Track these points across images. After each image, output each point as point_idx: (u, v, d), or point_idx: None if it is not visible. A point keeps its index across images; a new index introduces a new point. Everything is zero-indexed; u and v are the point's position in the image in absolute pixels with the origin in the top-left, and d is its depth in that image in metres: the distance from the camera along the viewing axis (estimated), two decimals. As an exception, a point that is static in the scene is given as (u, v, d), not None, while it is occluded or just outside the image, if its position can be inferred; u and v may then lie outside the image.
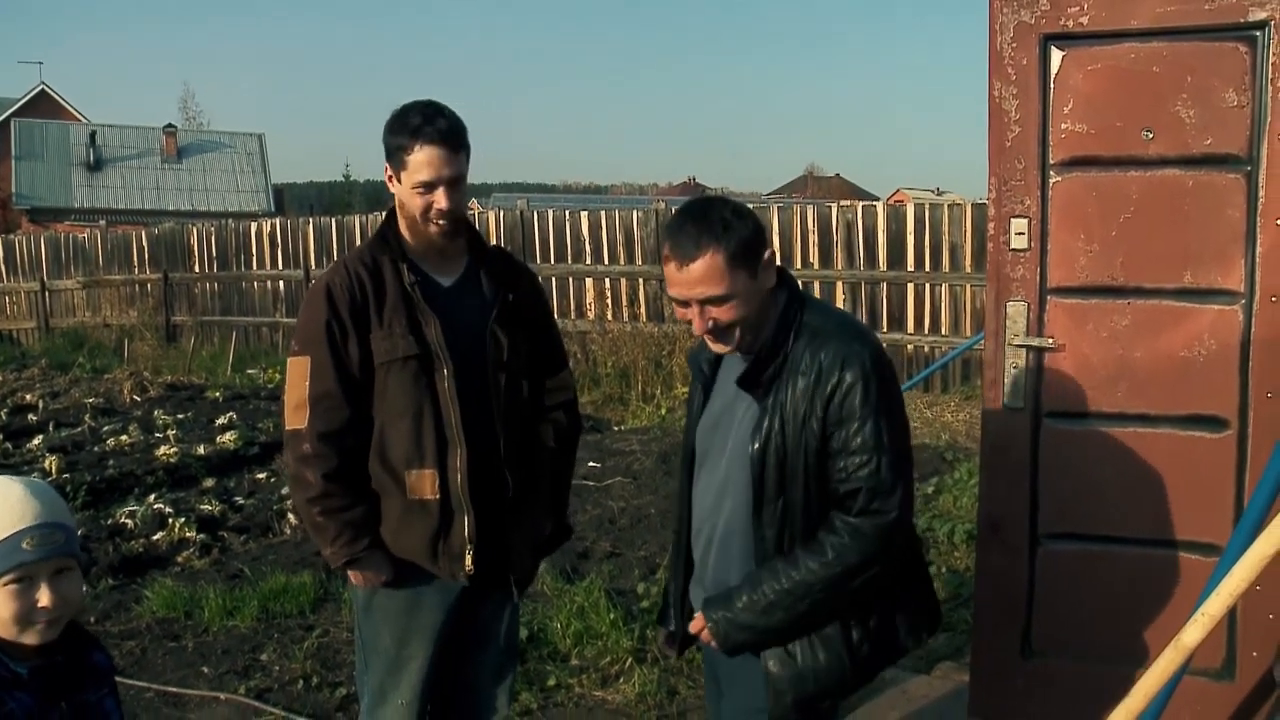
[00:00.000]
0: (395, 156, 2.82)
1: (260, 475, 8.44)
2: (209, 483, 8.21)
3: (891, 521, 2.35)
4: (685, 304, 2.39)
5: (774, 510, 2.40)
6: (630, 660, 4.70)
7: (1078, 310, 3.33)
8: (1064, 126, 3.28)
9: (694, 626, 2.55)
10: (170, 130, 42.05)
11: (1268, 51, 3.04)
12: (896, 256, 11.82)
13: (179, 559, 6.45)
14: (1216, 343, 3.18)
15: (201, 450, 8.90)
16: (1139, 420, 3.29)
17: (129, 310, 17.56)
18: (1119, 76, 3.21)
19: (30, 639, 1.93)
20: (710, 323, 2.38)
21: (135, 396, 11.76)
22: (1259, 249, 3.10)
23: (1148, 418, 3.28)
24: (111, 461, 8.64)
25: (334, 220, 16.34)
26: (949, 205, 12.07)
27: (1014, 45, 3.30)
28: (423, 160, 2.77)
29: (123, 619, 5.53)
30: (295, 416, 2.84)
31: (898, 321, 11.85)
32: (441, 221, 2.83)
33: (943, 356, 11.04)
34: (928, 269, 11.65)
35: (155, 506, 7.22)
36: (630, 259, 13.35)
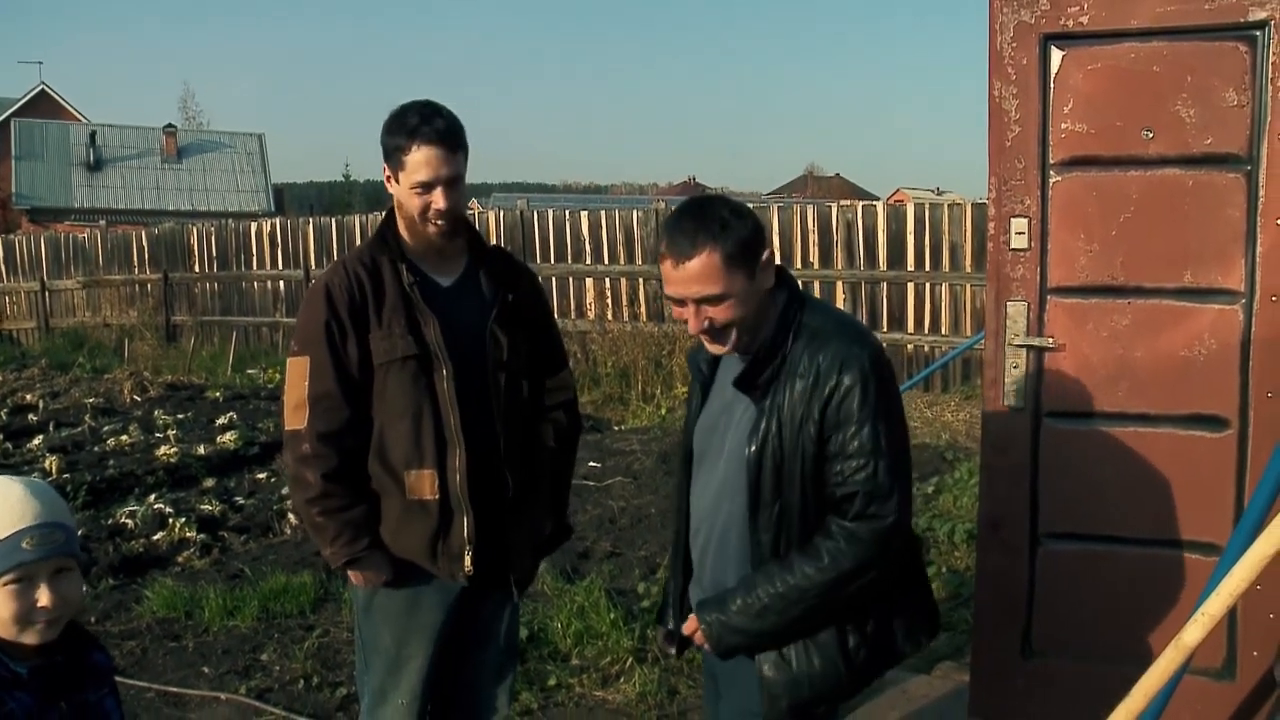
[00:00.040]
0: (393, 157, 2.82)
1: (260, 475, 8.44)
2: (209, 483, 8.21)
3: (888, 526, 2.32)
4: (681, 303, 2.37)
5: (770, 513, 2.38)
6: (631, 660, 4.70)
7: (1078, 310, 3.33)
8: (1064, 126, 3.28)
9: (687, 628, 2.54)
10: (170, 130, 42.05)
11: (1268, 51, 3.04)
12: (896, 256, 11.81)
13: (179, 559, 6.45)
14: (1217, 342, 3.18)
15: (202, 450, 8.91)
16: (1139, 420, 3.29)
17: (129, 310, 17.56)
18: (1119, 76, 3.21)
19: (30, 639, 1.93)
20: (706, 322, 2.36)
21: (135, 396, 11.76)
22: (1259, 248, 3.10)
23: (1148, 417, 3.27)
24: (112, 461, 8.64)
25: (334, 220, 16.34)
26: (949, 205, 12.07)
27: (1014, 45, 3.29)
28: (420, 160, 2.77)
29: (123, 619, 5.53)
30: (295, 417, 2.84)
31: (898, 321, 11.85)
32: (440, 221, 2.83)
33: (943, 356, 11.04)
34: (928, 269, 11.65)
35: (155, 506, 7.22)
36: (630, 259, 13.34)
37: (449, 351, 2.84)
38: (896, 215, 11.95)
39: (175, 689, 4.72)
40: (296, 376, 2.85)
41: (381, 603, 2.95)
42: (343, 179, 57.38)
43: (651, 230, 13.04)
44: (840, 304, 11.91)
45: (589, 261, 13.67)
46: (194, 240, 17.36)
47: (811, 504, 2.37)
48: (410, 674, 2.96)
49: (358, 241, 14.85)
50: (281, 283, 16.37)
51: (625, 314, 13.25)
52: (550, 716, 4.38)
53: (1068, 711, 3.39)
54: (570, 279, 13.76)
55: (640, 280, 13.17)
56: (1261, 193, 3.08)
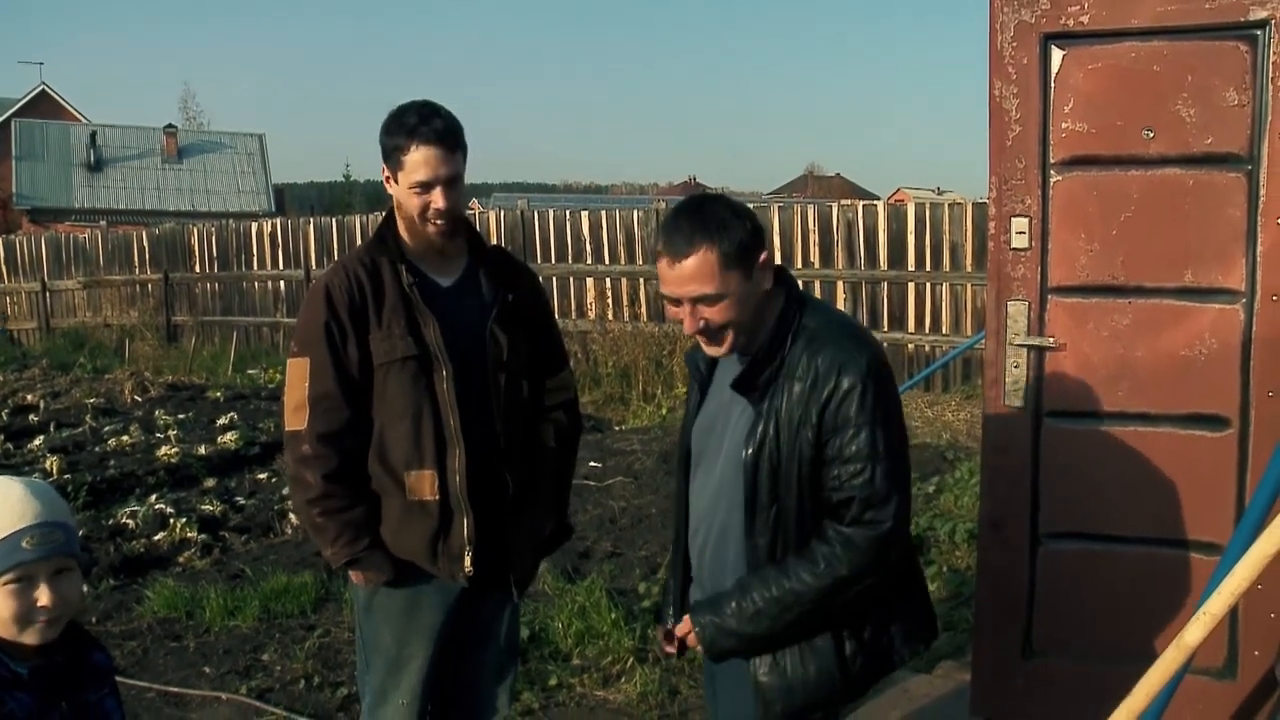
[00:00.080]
0: (392, 157, 2.82)
1: (261, 475, 8.45)
2: (210, 483, 8.22)
3: (885, 533, 2.29)
4: (677, 302, 2.35)
5: (767, 517, 2.36)
6: (631, 660, 4.70)
7: (1078, 309, 3.32)
8: (1064, 126, 3.28)
9: (680, 630, 2.52)
10: (171, 130, 42.05)
11: (1268, 50, 3.04)
12: (897, 256, 11.81)
13: (180, 559, 6.45)
14: (1217, 342, 3.18)
15: (202, 450, 8.91)
16: (1140, 419, 3.28)
17: (130, 310, 17.57)
18: (1119, 75, 3.20)
19: (30, 639, 1.93)
20: (701, 323, 2.33)
21: (136, 397, 11.76)
22: (1260, 248, 3.10)
23: (1149, 417, 3.27)
24: (112, 462, 8.64)
25: (334, 220, 16.35)
26: (950, 205, 12.07)
27: (1014, 44, 3.29)
28: (419, 160, 2.77)
29: (124, 619, 5.54)
30: (295, 417, 2.84)
31: (898, 321, 11.84)
32: (439, 221, 2.83)
33: (943, 356, 11.05)
34: (928, 268, 11.64)
35: (156, 507, 7.23)
36: (631, 259, 13.35)
37: (449, 352, 2.84)
38: (897, 215, 11.94)
39: (176, 689, 4.72)
40: (296, 377, 2.85)
41: (382, 602, 2.95)
42: (343, 179, 57.39)
43: (652, 230, 13.04)
44: (841, 304, 11.92)
45: (589, 261, 13.67)
46: (194, 240, 17.37)
47: (808, 508, 2.34)
48: (411, 674, 2.96)
49: (358, 242, 14.85)
50: (282, 283, 16.37)
51: (626, 314, 13.25)
52: (551, 716, 4.38)
53: (1069, 711, 3.39)
54: (571, 279, 13.76)
55: (641, 280, 13.17)
56: (1262, 192, 3.08)
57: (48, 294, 18.79)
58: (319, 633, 5.25)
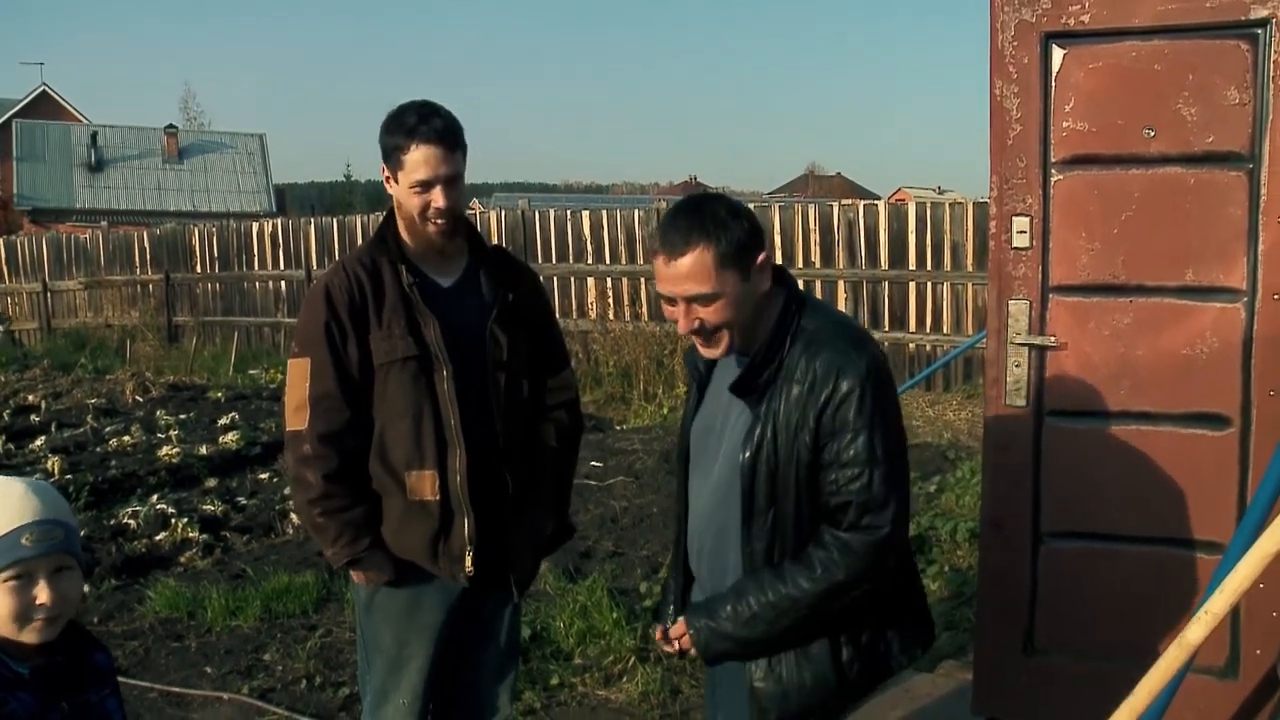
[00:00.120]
0: (392, 157, 2.82)
1: (262, 475, 8.45)
2: (211, 483, 8.22)
3: (883, 538, 2.26)
4: (673, 301, 2.32)
5: (764, 522, 2.33)
6: (633, 659, 4.70)
7: (1080, 308, 3.32)
8: (1065, 125, 3.28)
9: (675, 633, 2.49)
10: (171, 131, 42.08)
11: (1269, 49, 3.04)
12: (898, 255, 11.80)
13: (182, 559, 6.46)
14: (1219, 340, 3.17)
15: (204, 450, 8.92)
16: (1141, 418, 3.28)
17: (131, 311, 17.57)
18: (1120, 74, 3.20)
19: (29, 637, 1.92)
20: (696, 323, 2.31)
21: (137, 397, 11.77)
22: (1261, 246, 3.10)
23: (1150, 416, 3.27)
24: (114, 462, 8.65)
25: (335, 220, 16.36)
26: (950, 204, 12.07)
27: (1015, 44, 3.29)
28: (419, 159, 2.77)
29: (126, 619, 5.54)
30: (296, 418, 2.84)
31: (899, 320, 11.84)
32: (440, 220, 2.83)
33: (944, 355, 11.04)
34: (929, 268, 11.64)
35: (158, 507, 7.24)
36: (631, 258, 13.34)
37: (449, 352, 2.84)
38: (898, 214, 11.94)
39: (178, 689, 4.72)
40: (297, 378, 2.85)
41: (383, 602, 2.95)
42: (344, 179, 57.44)
43: (652, 230, 13.03)
44: (842, 303, 11.92)
45: (590, 261, 13.67)
46: (195, 241, 17.37)
47: (806, 513, 2.31)
48: (411, 673, 2.96)
49: (359, 242, 14.85)
50: (283, 283, 16.38)
51: (627, 313, 13.25)
52: (553, 716, 4.38)
53: (1070, 709, 3.39)
54: (571, 279, 13.76)
55: (642, 280, 13.17)
56: (1263, 191, 3.08)
57: (49, 294, 18.80)
58: (320, 632, 5.25)
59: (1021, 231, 3.34)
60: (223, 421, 10.13)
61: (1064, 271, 3.33)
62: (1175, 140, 3.16)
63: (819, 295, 11.78)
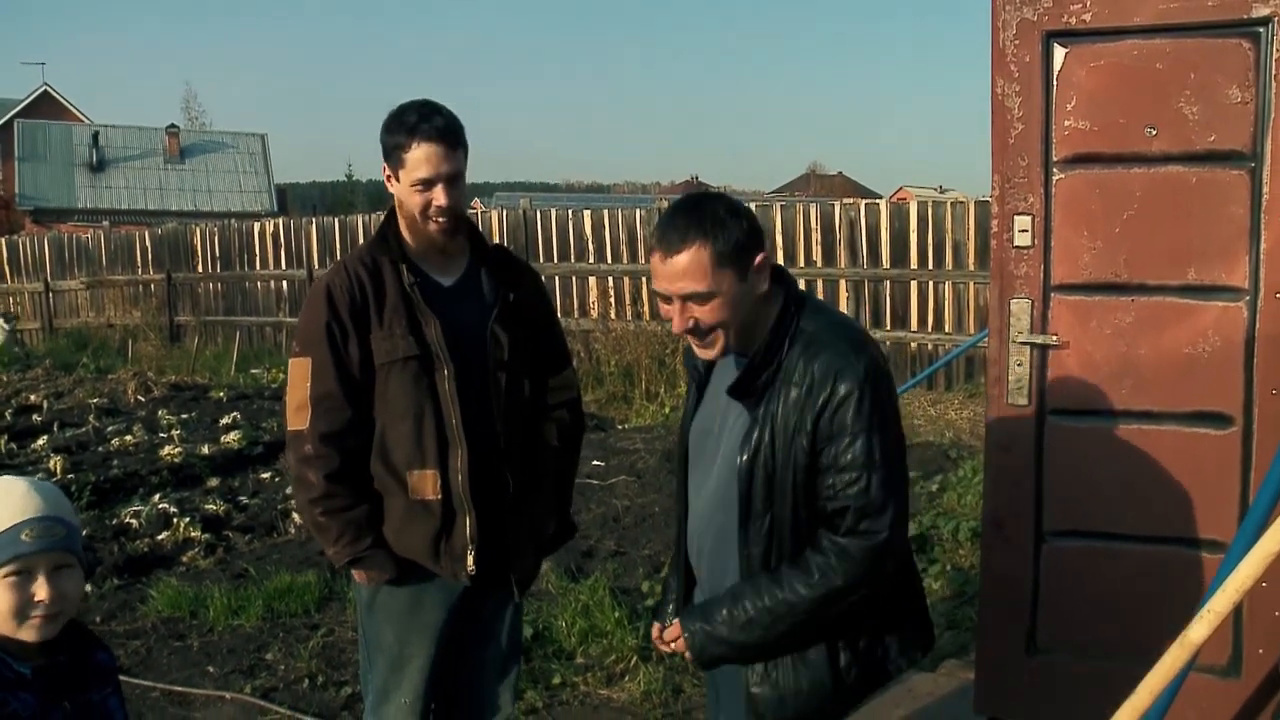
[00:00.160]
0: (393, 155, 2.82)
1: (264, 475, 8.45)
2: (213, 482, 8.22)
3: (881, 543, 2.23)
4: (668, 299, 2.29)
5: (761, 526, 2.30)
6: (635, 659, 4.70)
7: (1081, 307, 3.32)
8: (1067, 123, 3.28)
9: (669, 635, 2.48)
10: (173, 130, 42.08)
11: (1271, 47, 3.03)
12: (900, 254, 11.80)
13: (184, 558, 6.46)
14: (1221, 339, 3.17)
15: (206, 450, 8.92)
16: (1143, 417, 3.28)
17: (133, 310, 17.58)
18: (1122, 73, 3.20)
19: (27, 634, 1.92)
20: (691, 322, 2.28)
21: (139, 397, 11.77)
22: (1263, 245, 3.10)
23: (1152, 415, 3.27)
24: (116, 461, 8.65)
25: (337, 220, 16.37)
26: (952, 203, 12.06)
27: (1017, 42, 3.29)
28: (421, 157, 2.77)
29: (128, 618, 5.54)
30: (297, 417, 2.84)
31: (901, 319, 11.84)
32: (441, 219, 2.83)
33: (946, 354, 11.04)
34: (931, 267, 11.64)
35: (160, 506, 7.24)
36: (633, 258, 13.34)
37: (450, 352, 2.84)
38: (899, 213, 11.94)
39: (180, 688, 4.73)
40: (298, 377, 2.86)
41: (384, 601, 2.95)
42: (345, 179, 57.44)
43: (653, 229, 13.03)
44: (843, 302, 11.92)
45: (592, 260, 13.68)
46: (197, 240, 17.39)
47: (803, 517, 2.28)
48: (413, 672, 2.96)
49: (361, 241, 14.85)
50: (285, 282, 16.39)
51: (628, 313, 13.26)
52: (555, 715, 4.39)
53: (1073, 708, 3.39)
54: (573, 278, 13.77)
55: (643, 279, 13.17)
56: (1265, 189, 3.08)
57: (51, 294, 18.81)
58: (323, 632, 5.25)
59: (1023, 230, 3.34)
60: (225, 421, 10.14)
61: (1066, 270, 3.33)
62: (1177, 139, 3.16)
63: (820, 294, 11.79)
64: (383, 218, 2.98)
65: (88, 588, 5.73)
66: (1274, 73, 3.03)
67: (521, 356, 2.99)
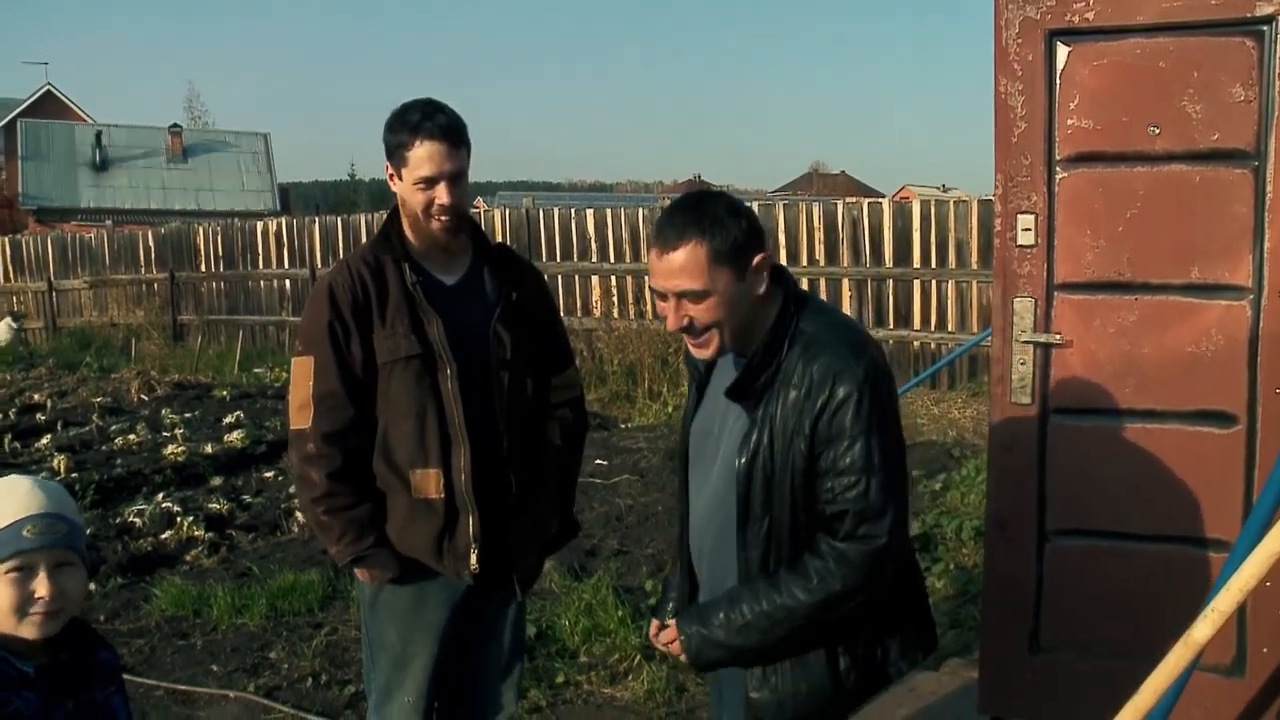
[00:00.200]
0: (396, 154, 2.83)
1: (268, 474, 8.46)
2: (217, 481, 8.23)
3: (880, 548, 2.20)
4: (664, 296, 2.28)
5: (760, 529, 2.28)
6: (639, 657, 4.70)
7: (1085, 306, 3.32)
8: (1070, 122, 3.27)
9: (665, 638, 2.46)
10: (176, 130, 42.08)
11: (1275, 46, 3.03)
12: (903, 253, 11.80)
13: (187, 557, 6.47)
14: (1224, 338, 3.17)
15: (209, 449, 8.93)
16: (1147, 416, 3.28)
17: (136, 309, 17.60)
18: (1125, 72, 3.20)
19: (27, 631, 1.92)
20: (686, 320, 2.26)
21: (143, 395, 11.78)
22: (1267, 244, 3.09)
23: (1155, 414, 3.27)
24: (119, 460, 8.66)
25: (340, 219, 16.37)
26: (955, 202, 12.05)
27: (1019, 41, 3.29)
28: (424, 155, 2.78)
29: (132, 617, 5.55)
30: (299, 416, 2.85)
31: (904, 318, 11.84)
32: (444, 217, 2.83)
33: (949, 353, 11.03)
34: (934, 266, 11.64)
35: (163, 505, 7.24)
36: (635, 257, 13.34)
37: (453, 350, 2.84)
38: (902, 212, 11.94)
39: (184, 687, 4.73)
40: (301, 376, 2.86)
41: (387, 600, 2.95)
42: (348, 178, 57.39)
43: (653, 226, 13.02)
44: (846, 301, 11.91)
45: (594, 259, 13.68)
46: (200, 240, 17.40)
47: (802, 521, 2.26)
48: (416, 671, 2.96)
49: (363, 240, 14.85)
50: (288, 282, 16.40)
51: (631, 312, 13.26)
52: (559, 713, 4.39)
53: (1076, 707, 3.39)
54: (576, 277, 13.77)
55: (645, 278, 13.05)
56: (1269, 188, 3.07)
57: (54, 293, 18.84)
58: (326, 631, 5.26)
59: (1026, 229, 3.34)
60: (228, 420, 10.14)
61: (1069, 269, 3.32)
62: (1180, 138, 3.16)
63: (823, 293, 11.79)
64: (385, 217, 2.98)
65: (91, 586, 5.74)
66: (1278, 71, 3.02)
67: (524, 355, 2.99)
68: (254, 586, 5.76)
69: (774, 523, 2.28)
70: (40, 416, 10.77)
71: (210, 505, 7.37)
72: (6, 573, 1.90)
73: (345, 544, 2.85)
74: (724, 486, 2.34)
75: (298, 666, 4.87)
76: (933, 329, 11.69)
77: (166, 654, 5.12)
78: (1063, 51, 3.26)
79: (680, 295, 2.25)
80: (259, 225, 17.10)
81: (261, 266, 16.70)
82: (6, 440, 9.39)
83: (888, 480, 2.21)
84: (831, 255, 12.16)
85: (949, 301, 11.58)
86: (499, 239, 11.66)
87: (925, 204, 12.07)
